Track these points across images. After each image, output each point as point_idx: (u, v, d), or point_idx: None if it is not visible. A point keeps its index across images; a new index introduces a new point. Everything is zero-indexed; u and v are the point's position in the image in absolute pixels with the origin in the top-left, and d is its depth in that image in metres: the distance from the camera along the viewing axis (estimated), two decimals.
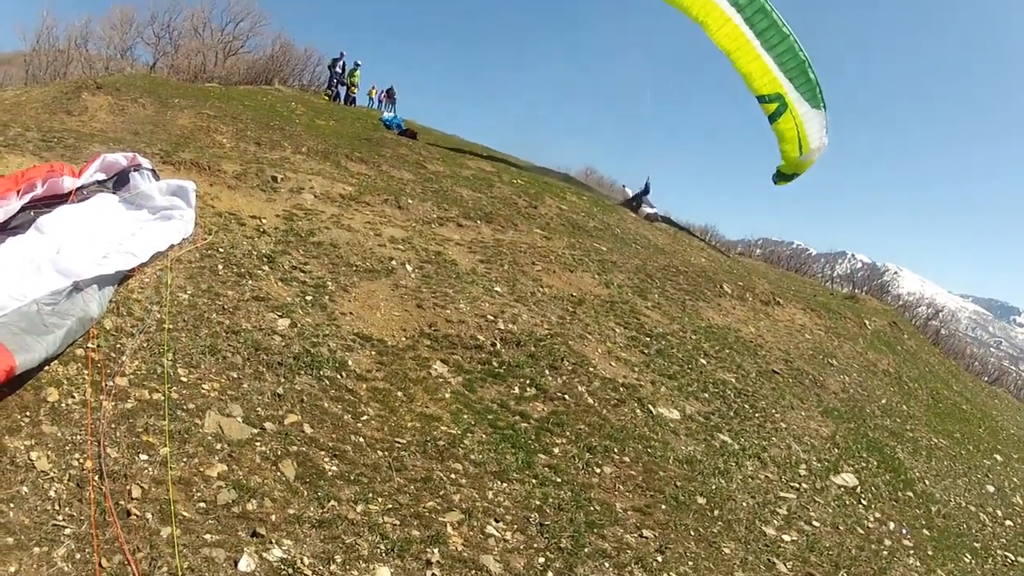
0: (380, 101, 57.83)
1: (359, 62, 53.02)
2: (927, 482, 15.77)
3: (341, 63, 52.11)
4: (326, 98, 48.19)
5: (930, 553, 12.97)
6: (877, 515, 13.17)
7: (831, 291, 39.15)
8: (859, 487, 13.90)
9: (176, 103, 26.88)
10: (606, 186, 46.93)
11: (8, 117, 20.89)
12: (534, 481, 10.20)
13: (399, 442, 10.19)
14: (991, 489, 17.35)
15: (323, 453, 9.41)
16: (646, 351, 15.81)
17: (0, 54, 74.86)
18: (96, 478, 7.71)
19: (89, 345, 9.95)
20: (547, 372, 13.43)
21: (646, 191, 37.03)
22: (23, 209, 12.96)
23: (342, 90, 52.08)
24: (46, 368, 9.20)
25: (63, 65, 58.77)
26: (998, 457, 20.16)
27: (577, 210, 28.65)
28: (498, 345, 13.87)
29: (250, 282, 13.16)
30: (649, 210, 36.42)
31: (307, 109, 35.13)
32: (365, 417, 10.58)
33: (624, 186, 38.56)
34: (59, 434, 8.23)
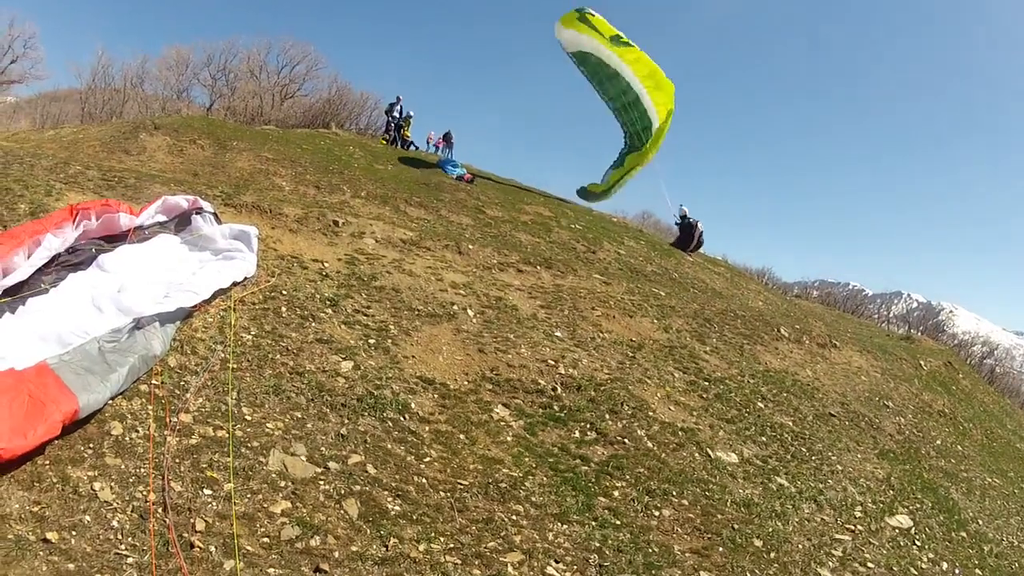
0: (437, 146, 58.07)
1: (412, 113, 53.04)
2: (980, 522, 15.57)
3: (398, 107, 52.19)
4: (383, 142, 48.19)
5: None
6: (931, 555, 13.02)
7: (887, 332, 38.99)
8: (913, 528, 13.72)
9: (234, 145, 27.11)
10: (663, 230, 46.66)
11: (67, 154, 21.18)
12: (594, 523, 10.13)
13: (461, 483, 10.20)
14: None
15: (386, 493, 9.44)
16: (705, 395, 15.72)
17: (56, 91, 75.35)
18: (160, 510, 7.76)
19: (153, 382, 10.08)
20: (607, 416, 13.38)
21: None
22: (83, 244, 13.09)
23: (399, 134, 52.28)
24: (110, 402, 9.28)
25: (119, 104, 59.07)
26: None
27: (635, 255, 28.60)
28: (559, 389, 13.87)
29: (313, 324, 13.31)
30: (697, 233, 36.14)
31: (365, 153, 35.29)
32: (428, 459, 10.61)
33: (681, 205, 37.59)
34: (122, 467, 8.30)
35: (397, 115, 51.91)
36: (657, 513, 10.91)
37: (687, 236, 36.14)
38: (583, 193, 40.86)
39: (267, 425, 9.99)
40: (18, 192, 15.38)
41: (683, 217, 36.83)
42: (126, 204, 14.62)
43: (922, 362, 27.63)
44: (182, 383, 10.30)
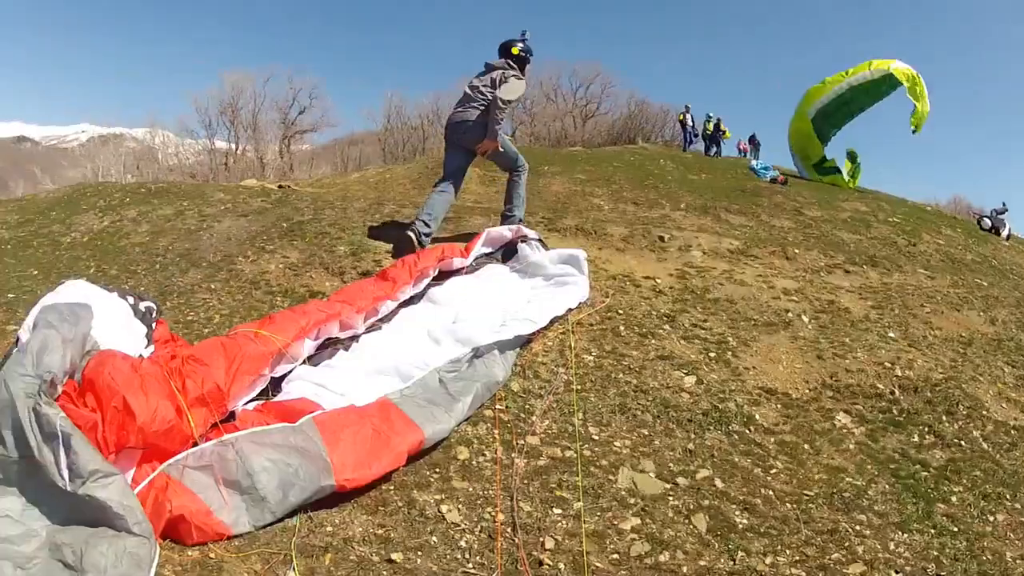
0: (744, 151, 58.26)
1: (710, 113, 54.00)
2: None
3: (690, 116, 53.00)
4: (687, 153, 49.49)
5: None
6: None
7: None
8: None
9: (545, 170, 27.80)
10: (980, 216, 45.78)
11: (376, 194, 22.03)
12: (932, 531, 9.87)
13: (807, 494, 10.12)
14: None
15: (734, 506, 9.49)
16: None
17: (352, 135, 79.15)
18: (508, 530, 8.07)
19: (498, 407, 10.49)
20: (944, 418, 12.90)
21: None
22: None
23: (697, 142, 53.27)
24: (455, 429, 9.74)
25: (420, 141, 61.57)
26: None
27: (953, 244, 27.95)
28: (896, 392, 13.48)
29: (653, 341, 13.49)
30: (1005, 231, 36.00)
31: (676, 165, 36.05)
32: (774, 470, 10.57)
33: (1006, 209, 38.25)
34: (470, 489, 8.68)
35: (691, 124, 52.94)
36: (991, 518, 10.49)
37: (994, 233, 36.01)
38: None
39: (615, 443, 10.21)
40: (336, 235, 16.34)
41: (994, 228, 36.70)
42: (458, 247, 15.16)
43: None
44: (527, 407, 10.69)
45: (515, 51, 15.97)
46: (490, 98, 15.45)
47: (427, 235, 15.65)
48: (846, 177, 45.98)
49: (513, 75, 15.66)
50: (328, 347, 11.57)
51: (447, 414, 9.60)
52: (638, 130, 63.22)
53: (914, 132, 43.96)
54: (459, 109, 16.09)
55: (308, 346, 11.12)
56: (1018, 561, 9.69)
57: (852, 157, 47.55)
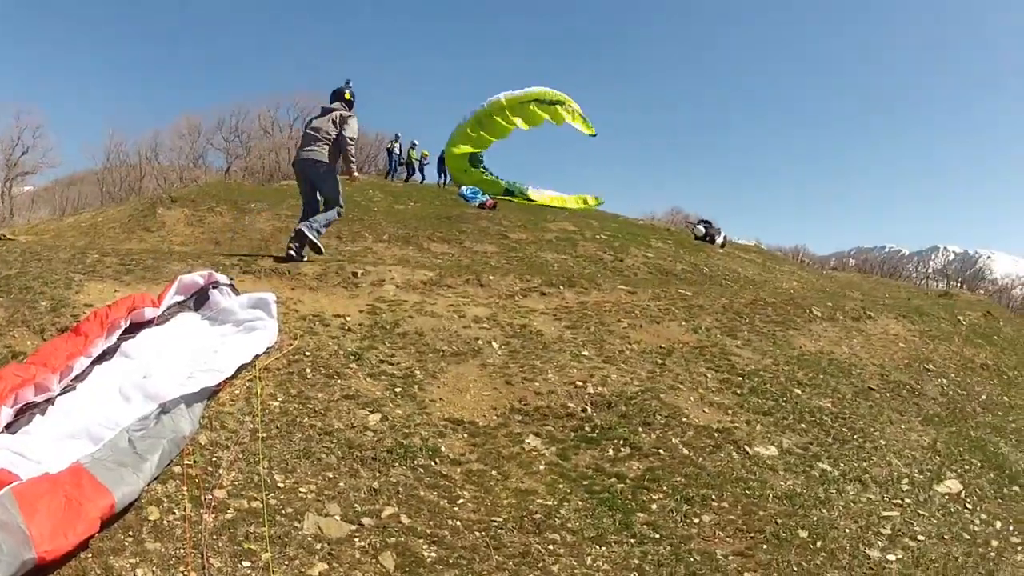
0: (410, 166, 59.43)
1: (415, 141, 55.41)
2: None
3: (398, 145, 54.00)
4: (397, 181, 50.35)
5: None
6: (983, 517, 12.69)
7: (925, 291, 39.20)
8: (963, 491, 13.40)
9: (252, 207, 27.67)
10: (693, 225, 47.47)
11: (85, 241, 21.62)
12: (632, 540, 10.11)
13: (496, 520, 10.21)
14: None
15: (421, 541, 9.49)
16: (739, 391, 15.57)
17: (73, 175, 76.82)
18: None
19: (186, 462, 10.19)
20: (640, 429, 13.28)
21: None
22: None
23: (402, 170, 54.29)
24: (146, 489, 9.43)
25: (137, 180, 60.57)
26: None
27: (663, 255, 28.94)
28: (589, 410, 13.80)
29: (339, 382, 13.36)
30: (720, 239, 37.84)
31: (385, 195, 36.27)
32: (461, 500, 10.63)
33: (716, 228, 39.83)
34: (162, 550, 8.45)
35: (398, 152, 54.00)
36: (697, 520, 10.87)
37: (709, 241, 37.73)
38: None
39: (300, 490, 10.10)
40: (39, 289, 15.64)
41: (709, 236, 38.42)
42: (149, 296, 14.77)
43: (960, 317, 27.07)
44: (214, 459, 10.46)
45: (347, 96, 19.16)
46: (333, 136, 18.86)
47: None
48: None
49: (350, 115, 19.04)
50: (27, 412, 11.17)
51: (135, 475, 9.29)
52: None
53: (593, 135, 45.75)
54: (306, 148, 19.07)
55: (5, 413, 10.62)
56: (731, 558, 10.08)
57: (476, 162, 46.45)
